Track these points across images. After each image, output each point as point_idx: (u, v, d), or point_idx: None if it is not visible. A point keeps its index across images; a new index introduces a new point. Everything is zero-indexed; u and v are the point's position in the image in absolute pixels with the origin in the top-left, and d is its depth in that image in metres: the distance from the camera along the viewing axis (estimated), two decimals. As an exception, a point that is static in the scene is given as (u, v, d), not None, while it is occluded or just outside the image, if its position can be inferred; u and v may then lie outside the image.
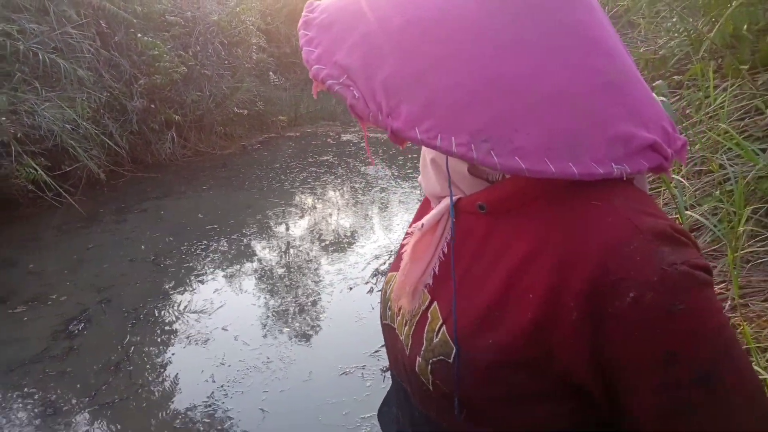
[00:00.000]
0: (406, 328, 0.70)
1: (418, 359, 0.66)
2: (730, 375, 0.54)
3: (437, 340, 0.64)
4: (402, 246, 0.73)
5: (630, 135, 0.54)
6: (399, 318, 0.72)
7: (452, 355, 0.61)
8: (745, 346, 1.30)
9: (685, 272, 0.52)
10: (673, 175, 1.96)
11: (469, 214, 0.64)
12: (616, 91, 0.55)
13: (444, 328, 0.63)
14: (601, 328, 0.53)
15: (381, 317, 0.81)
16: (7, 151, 4.81)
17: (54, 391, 2.74)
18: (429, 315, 0.66)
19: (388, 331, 0.77)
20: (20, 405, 2.65)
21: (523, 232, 0.59)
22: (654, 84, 2.45)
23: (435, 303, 0.66)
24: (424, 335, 0.66)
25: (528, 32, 0.54)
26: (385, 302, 0.79)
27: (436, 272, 0.66)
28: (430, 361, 0.64)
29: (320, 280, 3.97)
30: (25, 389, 2.76)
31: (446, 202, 0.65)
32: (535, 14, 0.55)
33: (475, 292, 0.62)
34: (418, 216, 0.81)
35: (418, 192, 5.58)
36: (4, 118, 4.80)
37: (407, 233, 0.70)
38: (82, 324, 3.36)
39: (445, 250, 0.65)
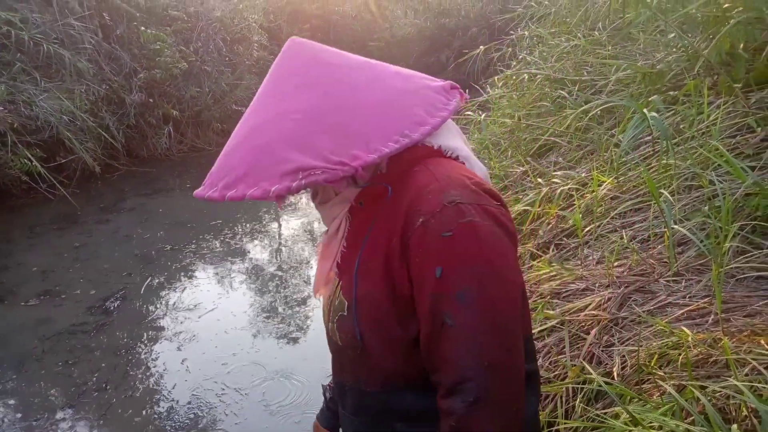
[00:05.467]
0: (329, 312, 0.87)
1: (329, 324, 0.85)
2: (482, 301, 0.68)
3: (337, 301, 0.82)
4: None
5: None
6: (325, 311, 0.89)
7: (345, 308, 0.79)
8: (723, 359, 1.31)
9: (459, 208, 0.70)
10: (662, 190, 1.97)
11: (358, 211, 0.82)
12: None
13: (339, 290, 0.82)
14: (406, 250, 0.72)
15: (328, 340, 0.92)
16: (3, 140, 4.79)
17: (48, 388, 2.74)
18: (337, 291, 0.84)
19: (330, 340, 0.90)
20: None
21: (384, 209, 0.78)
22: (649, 99, 2.47)
23: (340, 281, 0.84)
24: (331, 304, 0.85)
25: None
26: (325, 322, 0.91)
27: (340, 263, 0.83)
28: (335, 320, 0.82)
29: (310, 281, 3.97)
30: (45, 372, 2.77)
31: (345, 210, 0.84)
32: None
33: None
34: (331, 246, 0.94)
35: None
36: (1, 108, 4.79)
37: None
38: (94, 321, 3.35)
39: (345, 245, 0.83)
